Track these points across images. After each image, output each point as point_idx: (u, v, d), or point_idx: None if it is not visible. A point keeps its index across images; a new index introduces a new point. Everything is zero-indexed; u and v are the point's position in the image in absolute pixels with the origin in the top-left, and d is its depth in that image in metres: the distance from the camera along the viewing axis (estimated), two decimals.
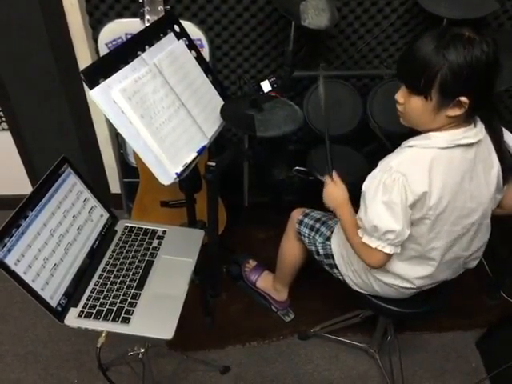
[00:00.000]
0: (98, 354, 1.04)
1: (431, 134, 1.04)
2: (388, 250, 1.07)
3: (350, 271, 1.33)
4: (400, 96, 1.06)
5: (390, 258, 1.11)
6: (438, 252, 1.14)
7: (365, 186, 1.08)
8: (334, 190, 1.28)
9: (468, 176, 1.06)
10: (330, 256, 1.39)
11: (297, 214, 1.52)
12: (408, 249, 1.14)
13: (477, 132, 1.03)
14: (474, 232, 1.15)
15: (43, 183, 1.07)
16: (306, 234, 1.46)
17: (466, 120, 1.03)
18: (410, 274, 1.20)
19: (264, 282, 1.82)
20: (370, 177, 1.07)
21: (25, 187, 2.11)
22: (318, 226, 1.43)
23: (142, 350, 1.35)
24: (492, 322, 1.74)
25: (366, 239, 1.10)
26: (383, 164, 1.06)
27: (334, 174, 1.31)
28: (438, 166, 1.01)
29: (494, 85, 0.99)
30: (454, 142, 1.01)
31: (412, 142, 1.06)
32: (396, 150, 1.08)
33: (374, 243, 1.08)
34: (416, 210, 1.04)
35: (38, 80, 1.77)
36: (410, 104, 1.03)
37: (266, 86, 1.63)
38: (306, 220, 1.48)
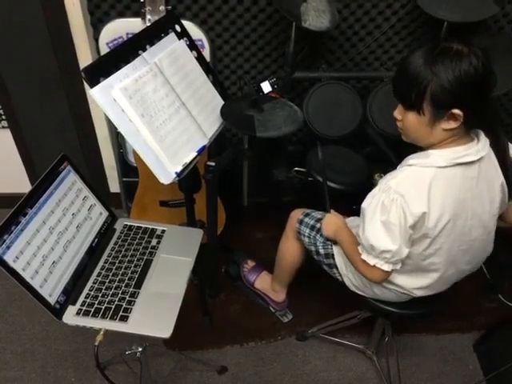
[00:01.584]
0: (95, 352, 1.03)
1: (430, 151, 1.03)
2: (386, 267, 1.09)
3: (350, 272, 1.33)
4: (398, 113, 1.07)
5: (389, 274, 1.12)
6: (438, 267, 1.14)
7: (364, 204, 1.08)
8: (332, 218, 1.34)
9: (470, 194, 1.04)
10: (330, 256, 1.39)
11: (297, 214, 1.52)
12: (409, 264, 1.14)
13: (479, 149, 1.02)
14: (476, 248, 1.14)
15: (43, 181, 1.07)
16: (307, 234, 1.46)
17: (467, 134, 1.02)
18: (410, 286, 1.20)
19: (262, 282, 1.82)
20: (369, 195, 1.08)
21: (24, 186, 2.11)
22: (319, 225, 1.43)
23: (140, 349, 1.35)
24: (490, 325, 1.75)
25: (364, 256, 1.12)
26: (383, 183, 1.05)
27: (332, 211, 1.37)
28: (437, 184, 1.00)
29: (487, 96, 0.98)
30: (454, 160, 1.00)
31: (411, 161, 1.05)
32: (397, 169, 1.08)
33: (372, 261, 1.10)
34: (416, 229, 1.04)
35: (39, 78, 1.78)
36: (407, 120, 1.03)
37: (266, 86, 1.63)
38: (306, 220, 1.48)
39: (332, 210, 1.37)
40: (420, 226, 1.03)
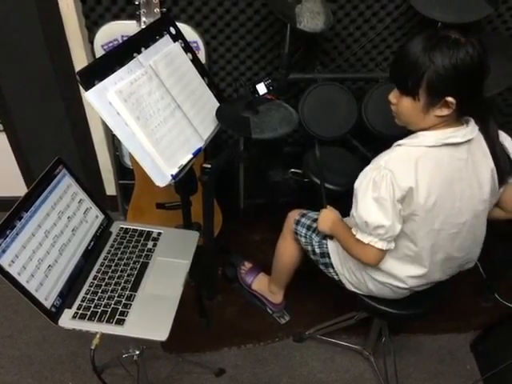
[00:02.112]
0: (92, 356, 1.03)
1: (420, 133, 1.07)
2: (380, 245, 1.10)
3: (346, 270, 1.33)
4: (392, 97, 1.10)
5: (384, 253, 1.14)
6: (429, 252, 1.15)
7: (356, 183, 1.11)
8: (327, 213, 1.36)
9: (458, 176, 1.07)
10: (326, 255, 1.39)
11: (294, 215, 1.53)
12: (401, 247, 1.16)
13: (467, 132, 1.05)
14: (466, 233, 1.16)
15: (38, 184, 1.07)
16: (303, 234, 1.47)
17: (457, 120, 1.05)
18: (403, 273, 1.21)
19: (259, 283, 1.82)
20: (361, 174, 1.11)
21: (20, 189, 2.10)
22: (315, 225, 1.44)
23: (137, 352, 1.35)
24: (486, 325, 1.75)
25: (359, 235, 1.14)
26: (374, 162, 1.09)
27: (328, 206, 1.39)
28: (425, 163, 1.04)
29: (481, 85, 1.02)
30: (441, 140, 1.04)
31: (401, 141, 1.09)
32: (387, 150, 1.11)
33: (366, 239, 1.12)
34: (405, 205, 1.06)
35: (34, 81, 1.77)
36: (402, 104, 1.07)
37: (261, 88, 1.63)
38: (303, 220, 1.49)
39: (328, 206, 1.39)
40: (408, 201, 1.05)
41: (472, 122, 1.08)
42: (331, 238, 1.38)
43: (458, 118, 1.05)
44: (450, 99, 0.98)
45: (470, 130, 1.06)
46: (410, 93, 1.02)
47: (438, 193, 1.06)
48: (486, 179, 1.11)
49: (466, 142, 1.05)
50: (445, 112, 1.01)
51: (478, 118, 1.08)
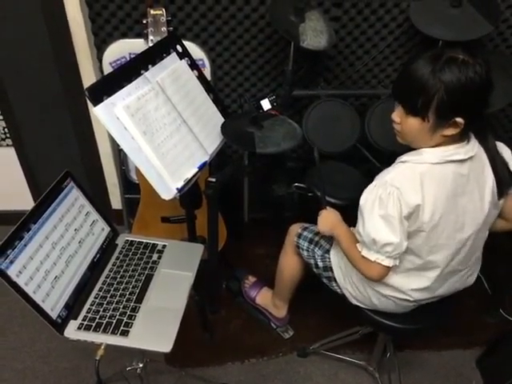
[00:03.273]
0: (96, 366, 1.04)
1: (423, 149, 1.07)
2: (387, 262, 1.10)
3: (349, 284, 1.33)
4: (396, 116, 1.09)
5: (389, 270, 1.14)
6: (436, 265, 1.15)
7: (362, 200, 1.11)
8: (328, 215, 1.34)
9: (461, 191, 1.08)
10: (328, 269, 1.40)
11: (295, 228, 1.54)
12: (406, 260, 1.16)
13: (468, 149, 1.06)
14: (469, 246, 1.16)
15: (46, 197, 1.09)
16: (305, 247, 1.47)
17: (460, 137, 1.06)
18: (406, 287, 1.21)
19: (263, 298, 1.82)
20: (366, 192, 1.10)
21: (27, 203, 2.13)
22: (317, 239, 1.45)
23: (141, 365, 1.35)
24: (492, 341, 1.74)
25: (365, 253, 1.13)
26: (378, 179, 1.09)
27: (328, 207, 1.38)
28: (430, 180, 1.04)
29: (487, 103, 1.02)
30: (445, 158, 1.04)
31: (405, 157, 1.09)
32: (391, 166, 1.11)
33: (373, 256, 1.11)
34: (411, 221, 1.07)
35: (43, 97, 1.81)
36: (407, 124, 1.06)
37: (265, 104, 1.66)
38: (305, 233, 1.49)
39: (328, 207, 1.37)
40: (415, 218, 1.06)
41: (472, 138, 1.09)
42: (331, 238, 1.37)
43: (462, 136, 1.06)
44: (459, 120, 0.98)
45: (472, 147, 1.07)
46: (419, 114, 1.01)
47: (442, 209, 1.06)
48: (487, 193, 1.12)
49: (468, 158, 1.06)
50: (452, 132, 1.01)
51: (478, 131, 1.09)
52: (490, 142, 1.11)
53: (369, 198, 1.08)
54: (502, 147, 1.15)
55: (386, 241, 1.07)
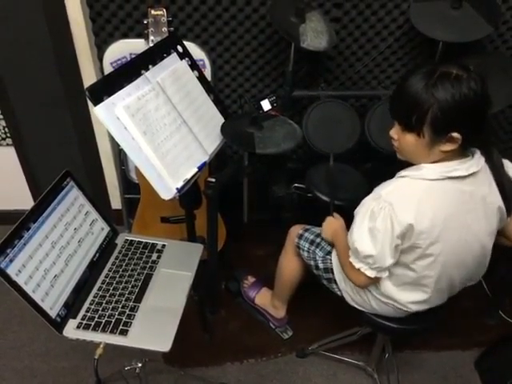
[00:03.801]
0: (95, 365, 1.04)
1: (423, 165, 1.05)
2: (369, 273, 1.12)
3: (349, 287, 1.33)
4: (394, 133, 1.08)
5: (373, 280, 1.15)
6: (433, 280, 1.14)
7: (356, 210, 1.12)
8: (332, 220, 1.39)
9: (464, 208, 1.06)
10: (329, 270, 1.40)
11: (296, 229, 1.54)
12: (401, 275, 1.16)
13: (471, 165, 1.03)
14: (471, 263, 1.15)
15: (46, 196, 1.10)
16: (306, 248, 1.47)
17: (462, 152, 1.04)
18: (405, 300, 1.21)
19: (262, 298, 1.83)
20: (362, 202, 1.11)
21: (27, 203, 2.13)
22: (318, 240, 1.45)
23: (140, 365, 1.35)
24: (491, 342, 1.74)
25: (352, 259, 1.15)
26: (376, 191, 1.08)
27: (335, 214, 1.40)
28: (428, 197, 1.03)
29: (484, 119, 1.00)
30: (444, 174, 1.02)
31: (404, 172, 1.08)
32: (390, 180, 1.10)
33: (357, 264, 1.13)
34: (405, 240, 1.06)
35: (43, 96, 1.81)
36: (404, 140, 1.05)
37: (266, 104, 1.67)
38: (306, 234, 1.49)
39: (335, 213, 1.40)
40: (409, 236, 1.05)
41: (478, 154, 1.06)
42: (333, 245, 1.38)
43: (463, 150, 1.04)
44: (455, 135, 0.96)
45: (476, 162, 1.04)
46: (414, 129, 1.00)
47: (442, 226, 1.04)
48: (493, 211, 1.10)
49: (470, 174, 1.03)
50: (450, 147, 0.99)
51: (484, 149, 1.07)
52: (495, 159, 1.09)
53: (362, 209, 1.09)
54: (508, 165, 1.12)
55: (367, 252, 1.08)
